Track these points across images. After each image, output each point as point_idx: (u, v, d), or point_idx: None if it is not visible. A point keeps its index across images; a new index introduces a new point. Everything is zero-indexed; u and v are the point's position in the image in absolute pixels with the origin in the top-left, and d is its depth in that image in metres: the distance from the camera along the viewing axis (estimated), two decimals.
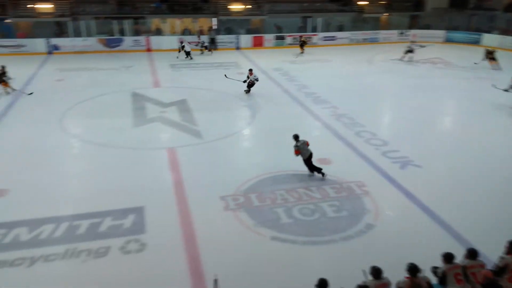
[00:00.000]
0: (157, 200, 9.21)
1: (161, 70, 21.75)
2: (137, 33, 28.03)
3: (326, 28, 30.91)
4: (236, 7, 29.59)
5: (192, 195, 9.44)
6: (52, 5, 26.33)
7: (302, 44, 26.74)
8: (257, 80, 16.98)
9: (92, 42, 26.08)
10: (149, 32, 28.44)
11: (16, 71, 19.37)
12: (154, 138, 13.01)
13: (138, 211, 8.75)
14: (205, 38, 27.12)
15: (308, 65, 23.82)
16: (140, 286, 6.79)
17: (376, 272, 5.53)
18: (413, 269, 5.50)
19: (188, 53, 24.00)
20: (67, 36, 26.47)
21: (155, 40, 27.15)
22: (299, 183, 9.98)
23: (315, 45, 29.73)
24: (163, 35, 28.83)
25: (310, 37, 28.90)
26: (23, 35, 26.21)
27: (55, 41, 25.50)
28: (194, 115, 14.69)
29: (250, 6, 29.73)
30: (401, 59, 24.23)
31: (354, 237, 8.01)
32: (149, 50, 26.93)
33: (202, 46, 25.79)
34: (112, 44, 26.21)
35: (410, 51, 24.31)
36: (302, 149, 9.95)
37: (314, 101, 16.60)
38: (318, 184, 9.90)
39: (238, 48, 28.28)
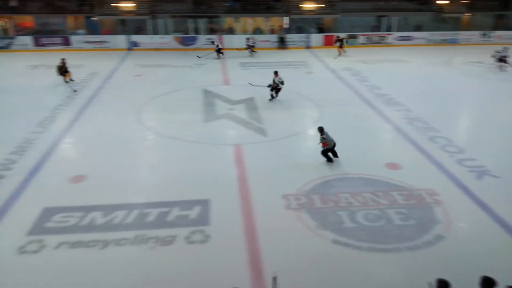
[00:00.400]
0: (222, 194, 9.44)
1: (231, 69, 22.22)
2: (211, 31, 28.89)
3: (402, 28, 29.64)
4: (308, 6, 29.38)
5: (255, 192, 9.55)
6: (134, 4, 27.93)
7: (340, 45, 25.39)
8: (282, 83, 15.74)
9: (168, 39, 27.30)
10: (222, 31, 29.17)
11: (100, 65, 20.87)
12: (221, 134, 13.34)
13: (204, 203, 9.04)
14: (274, 37, 27.31)
15: (381, 65, 23.03)
16: (202, 275, 7.00)
17: (443, 285, 5.22)
18: (488, 282, 5.08)
19: (218, 51, 24.43)
20: (146, 34, 27.96)
21: (227, 39, 27.79)
22: (365, 187, 9.70)
23: (389, 45, 28.67)
24: (235, 34, 29.42)
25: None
26: (107, 32, 28.14)
27: (135, 38, 27.03)
28: (261, 113, 14.83)
29: (323, 5, 29.36)
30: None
31: (421, 248, 7.62)
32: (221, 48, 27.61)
33: (249, 47, 25.81)
34: (187, 42, 27.23)
35: (503, 60, 20.99)
36: (328, 140, 10.55)
37: (386, 102, 16.02)
38: (385, 190, 9.56)
39: (308, 47, 28.09)
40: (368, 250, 7.57)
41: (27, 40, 26.25)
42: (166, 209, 8.84)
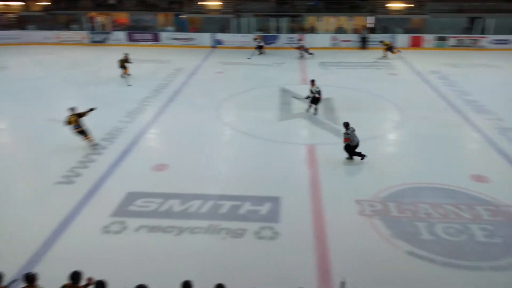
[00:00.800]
0: (293, 193, 9.45)
1: (310, 68, 22.08)
2: (292, 30, 28.95)
3: (499, 31, 27.30)
4: (395, 5, 28.23)
5: (327, 194, 9.42)
6: (220, 3, 28.88)
7: (389, 48, 24.02)
8: (319, 93, 14.18)
9: (250, 38, 27.86)
10: (303, 30, 29.10)
11: (185, 62, 21.88)
12: (296, 133, 13.34)
13: (275, 200, 9.11)
14: (355, 37, 26.69)
15: (472, 70, 21.44)
16: (269, 271, 7.08)
17: None
18: None
19: (260, 48, 24.60)
20: (230, 32, 28.78)
21: (308, 38, 27.65)
22: (447, 199, 9.11)
23: (482, 48, 26.60)
24: (316, 33, 29.18)
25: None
26: (194, 30, 29.43)
27: (219, 36, 27.97)
28: (338, 114, 14.56)
29: (411, 5, 28.02)
30: None
31: (507, 269, 7.01)
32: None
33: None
34: (268, 41, 27.58)
35: None
36: (352, 136, 10.40)
37: (475, 110, 14.90)
38: (469, 203, 8.91)
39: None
40: (445, 265, 7.12)
41: (121, 35, 28.32)
42: (238, 203, 9.05)
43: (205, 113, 14.91)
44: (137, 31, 28.69)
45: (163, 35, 28.35)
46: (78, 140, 11.73)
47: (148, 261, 7.31)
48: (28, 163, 11.26)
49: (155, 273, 6.80)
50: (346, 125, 10.59)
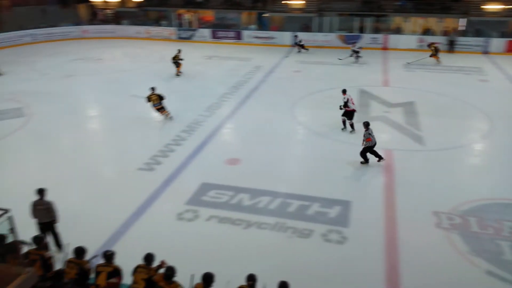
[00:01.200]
0: (365, 199, 9.19)
1: (393, 70, 21.21)
2: (376, 30, 28.00)
3: None
4: (492, 7, 26.04)
5: (402, 202, 9.03)
6: (304, 2, 28.78)
7: (435, 52, 22.24)
8: (345, 104, 12.58)
9: (331, 37, 27.42)
10: (388, 31, 28.01)
11: (264, 60, 22.14)
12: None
13: (345, 204, 8.93)
14: (444, 40, 25.11)
15: None
16: (334, 276, 6.97)
17: None
18: None
19: (301, 46, 24.23)
20: (311, 31, 28.59)
21: (393, 39, 26.56)
22: None
23: None
24: (402, 34, 27.91)
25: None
26: (275, 28, 29.68)
27: (299, 35, 27.91)
28: (420, 119, 13.84)
29: (511, 7, 25.68)
30: None
31: None
32: (385, 48, 26.56)
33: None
34: (350, 40, 26.92)
35: None
36: (373, 136, 10.22)
37: None
38: None
39: (485, 52, 24.97)
40: None
41: (206, 32, 29.41)
42: (307, 203, 9.01)
43: (280, 111, 14.99)
44: (221, 29, 29.61)
45: (245, 33, 28.94)
46: (161, 132, 12.46)
47: (216, 250, 7.56)
48: (116, 150, 12.22)
49: (221, 263, 7.00)
50: (367, 124, 10.43)
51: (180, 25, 30.66)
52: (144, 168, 10.68)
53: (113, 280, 5.12)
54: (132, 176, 10.34)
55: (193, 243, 7.82)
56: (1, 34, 26.64)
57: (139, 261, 5.79)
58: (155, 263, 5.83)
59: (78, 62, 22.32)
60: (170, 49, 22.90)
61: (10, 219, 4.87)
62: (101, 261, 5.93)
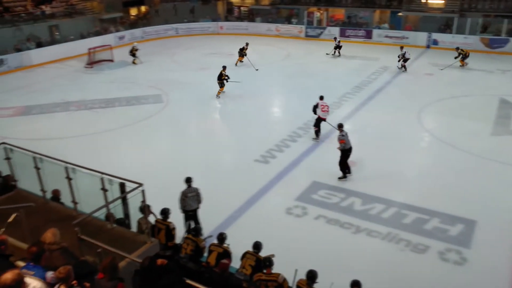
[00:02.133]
0: (493, 220, 8.25)
1: None
2: None
3: None
4: None
5: None
6: (443, 1, 26.63)
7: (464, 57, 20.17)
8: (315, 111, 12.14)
9: (473, 40, 24.83)
10: None
11: (393, 60, 21.05)
12: (510, 152, 11.42)
13: (469, 223, 8.13)
14: None
15: None
16: None
17: None
18: None
19: (339, 48, 22.86)
20: (450, 32, 26.31)
21: None
22: None
23: None
24: None
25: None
26: (409, 28, 28.01)
27: (436, 36, 25.91)
28: None
29: None
30: None
31: None
32: None
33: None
34: (494, 44, 24.16)
35: None
36: (346, 138, 9.67)
37: None
38: None
39: None
40: None
41: (335, 31, 29.08)
42: (425, 217, 8.42)
43: (405, 116, 14.17)
44: (350, 27, 29.03)
45: (375, 32, 27.90)
46: (279, 127, 12.76)
47: (322, 250, 7.53)
48: (236, 140, 12.96)
49: (326, 264, 6.91)
50: (340, 126, 9.92)
51: (309, 23, 30.86)
52: (260, 160, 11.08)
53: (224, 261, 5.44)
54: (248, 166, 10.82)
55: (299, 239, 7.89)
56: (150, 27, 30.02)
57: (248, 247, 6.05)
58: (262, 252, 6.02)
59: (212, 56, 23.98)
60: (297, 47, 23.29)
61: (143, 192, 5.51)
62: (214, 241, 6.35)
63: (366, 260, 7.29)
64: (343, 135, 9.79)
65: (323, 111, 12.12)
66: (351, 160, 10.76)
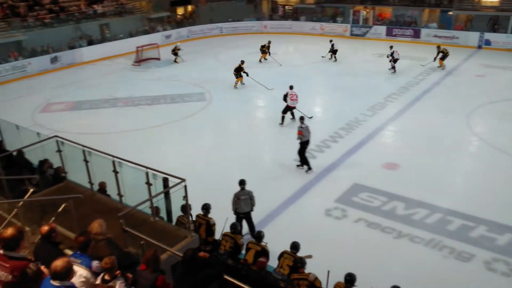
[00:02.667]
0: None
1: None
2: None
3: None
4: None
5: None
6: None
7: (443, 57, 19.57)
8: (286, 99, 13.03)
9: None
10: None
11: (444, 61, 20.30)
12: None
13: None
14: None
15: None
16: None
17: None
18: None
19: (334, 52, 21.90)
20: (504, 32, 24.99)
21: None
22: None
23: None
24: None
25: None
26: (459, 28, 26.86)
27: (488, 35, 24.70)
28: None
29: None
30: None
31: None
32: None
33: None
34: None
35: None
36: (305, 131, 9.93)
37: None
38: None
39: None
40: None
41: (381, 30, 28.38)
42: (471, 224, 8.09)
43: (453, 118, 13.64)
44: (397, 27, 28.22)
45: (424, 31, 26.95)
46: (320, 127, 12.67)
47: (362, 254, 7.41)
48: (276, 139, 12.92)
49: (365, 268, 6.76)
50: (302, 118, 10.37)
51: (355, 22, 30.31)
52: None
53: (262, 259, 5.48)
54: (288, 166, 10.80)
55: (338, 241, 7.81)
56: (196, 26, 30.58)
57: (285, 246, 6.06)
58: (300, 253, 6.01)
59: (253, 55, 24.06)
60: (341, 46, 22.91)
61: (185, 187, 5.65)
62: (251, 239, 6.40)
63: (407, 266, 7.11)
64: (301, 127, 10.10)
65: (291, 99, 12.96)
66: (393, 162, 10.54)
